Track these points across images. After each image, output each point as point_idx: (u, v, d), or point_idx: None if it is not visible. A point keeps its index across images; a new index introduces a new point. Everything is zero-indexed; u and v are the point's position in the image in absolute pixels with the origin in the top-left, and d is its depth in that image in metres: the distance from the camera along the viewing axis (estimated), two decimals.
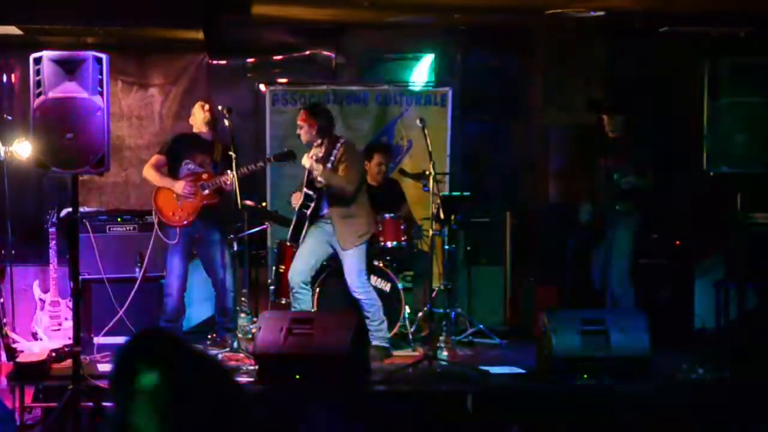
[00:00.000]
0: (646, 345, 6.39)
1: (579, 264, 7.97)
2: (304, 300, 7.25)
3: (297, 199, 7.37)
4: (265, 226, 8.41)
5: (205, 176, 7.45)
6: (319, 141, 7.22)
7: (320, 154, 7.15)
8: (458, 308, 8.12)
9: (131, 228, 7.82)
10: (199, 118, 7.55)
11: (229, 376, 2.66)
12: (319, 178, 7.11)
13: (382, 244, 7.87)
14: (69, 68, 5.67)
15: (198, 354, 2.68)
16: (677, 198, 9.08)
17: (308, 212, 7.27)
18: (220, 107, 7.53)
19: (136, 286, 7.43)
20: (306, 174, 7.27)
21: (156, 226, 7.44)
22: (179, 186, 7.40)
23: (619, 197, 7.38)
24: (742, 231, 6.75)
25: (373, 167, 8.10)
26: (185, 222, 7.41)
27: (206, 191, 7.42)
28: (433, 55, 9.65)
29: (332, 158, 7.17)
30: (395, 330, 7.66)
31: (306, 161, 7.14)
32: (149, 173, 7.54)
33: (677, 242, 8.56)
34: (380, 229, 7.83)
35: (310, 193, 7.25)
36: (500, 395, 6.30)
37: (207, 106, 7.58)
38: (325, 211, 7.24)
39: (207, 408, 2.51)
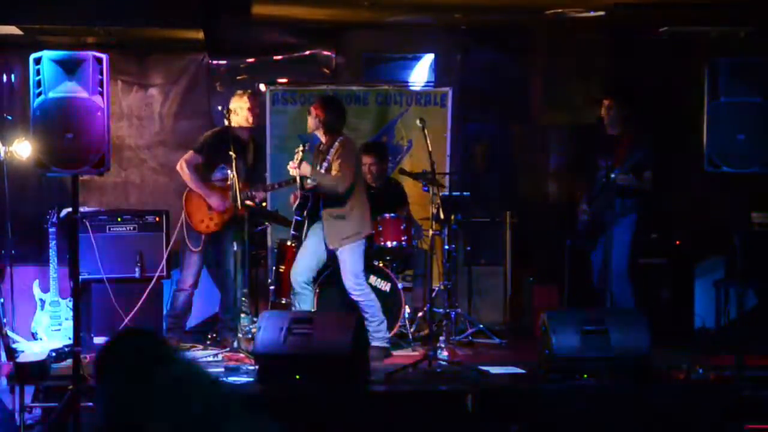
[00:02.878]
0: (646, 345, 6.39)
1: (578, 264, 7.97)
2: (306, 300, 7.25)
3: (295, 200, 7.38)
4: (265, 226, 8.41)
5: (239, 185, 7.42)
6: (321, 137, 7.22)
7: (300, 159, 7.09)
8: (458, 308, 8.12)
9: (131, 228, 7.81)
10: (244, 112, 7.46)
11: (208, 375, 2.67)
12: (308, 181, 7.11)
13: (382, 244, 7.86)
14: (69, 68, 5.67)
15: (179, 355, 2.69)
16: (677, 198, 9.08)
17: (305, 212, 7.27)
18: (219, 107, 7.53)
19: (149, 287, 7.45)
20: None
21: (184, 226, 7.44)
22: (215, 201, 7.40)
23: (617, 197, 7.38)
24: (742, 231, 6.74)
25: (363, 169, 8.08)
26: (212, 230, 7.43)
27: (237, 202, 7.41)
28: (433, 55, 9.64)
29: (329, 156, 7.17)
30: (395, 330, 7.66)
31: (292, 171, 7.11)
32: (185, 173, 7.46)
33: (677, 242, 8.57)
34: (380, 229, 7.83)
35: (305, 193, 7.27)
36: (500, 395, 6.29)
37: (253, 98, 7.52)
38: (323, 210, 7.25)
39: (185, 410, 2.51)
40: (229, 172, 7.25)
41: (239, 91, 7.72)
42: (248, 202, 7.54)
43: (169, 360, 2.60)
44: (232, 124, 7.46)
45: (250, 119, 7.50)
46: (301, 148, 7.15)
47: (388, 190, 8.25)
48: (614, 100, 7.53)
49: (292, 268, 7.36)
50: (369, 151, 8.17)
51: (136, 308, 7.36)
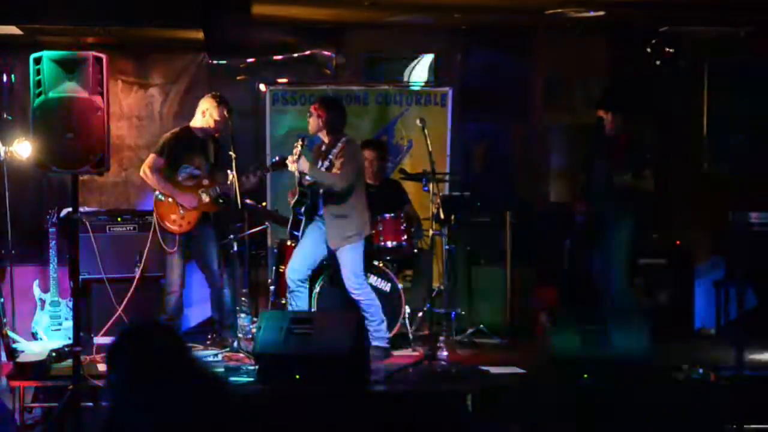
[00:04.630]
0: (646, 345, 6.39)
1: (578, 264, 7.97)
2: (301, 298, 7.24)
3: (292, 197, 7.38)
4: (265, 226, 8.41)
5: (205, 182, 7.43)
6: (324, 137, 7.22)
7: (299, 154, 7.07)
8: (458, 308, 8.11)
9: (131, 228, 7.82)
10: (211, 119, 7.41)
11: (211, 371, 2.68)
12: (306, 177, 7.11)
13: (382, 244, 7.86)
14: (69, 68, 5.67)
15: (186, 349, 2.70)
16: (677, 198, 9.09)
17: (302, 209, 7.27)
18: (199, 106, 7.53)
19: (134, 285, 7.43)
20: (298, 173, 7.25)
21: (157, 229, 7.42)
22: (186, 200, 7.37)
23: (616, 197, 7.38)
24: (742, 231, 6.75)
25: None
26: (185, 230, 7.41)
27: (207, 199, 7.40)
28: (433, 55, 9.65)
29: (331, 156, 7.17)
30: (395, 330, 7.66)
31: (291, 166, 7.10)
32: (150, 178, 7.40)
33: (677, 242, 8.57)
34: (380, 229, 7.82)
35: (304, 190, 7.26)
36: (500, 395, 6.29)
37: (225, 110, 7.46)
38: (322, 209, 7.25)
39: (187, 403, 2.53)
40: (229, 172, 7.25)
41: (214, 93, 7.63)
42: (248, 202, 7.54)
43: (181, 351, 2.62)
44: (197, 125, 7.46)
45: (211, 124, 7.44)
46: (299, 143, 7.13)
47: (387, 190, 8.25)
48: (607, 112, 7.52)
49: (288, 265, 7.35)
50: (371, 146, 8.18)
51: (133, 307, 7.37)
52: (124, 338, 2.67)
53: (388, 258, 7.92)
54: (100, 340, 7.34)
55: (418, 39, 9.51)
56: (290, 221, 7.46)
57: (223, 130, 7.45)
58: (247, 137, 8.96)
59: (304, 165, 7.03)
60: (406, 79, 9.65)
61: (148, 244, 7.47)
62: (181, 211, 7.41)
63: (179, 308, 7.54)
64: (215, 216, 7.56)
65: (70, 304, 6.76)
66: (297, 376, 6.19)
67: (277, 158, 7.74)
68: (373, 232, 7.63)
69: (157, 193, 7.46)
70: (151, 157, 7.51)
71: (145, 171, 7.47)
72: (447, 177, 8.81)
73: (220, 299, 7.56)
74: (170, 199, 7.41)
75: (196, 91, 8.91)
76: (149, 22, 8.10)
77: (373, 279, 7.68)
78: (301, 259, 7.29)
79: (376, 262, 7.76)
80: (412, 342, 7.78)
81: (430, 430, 6.08)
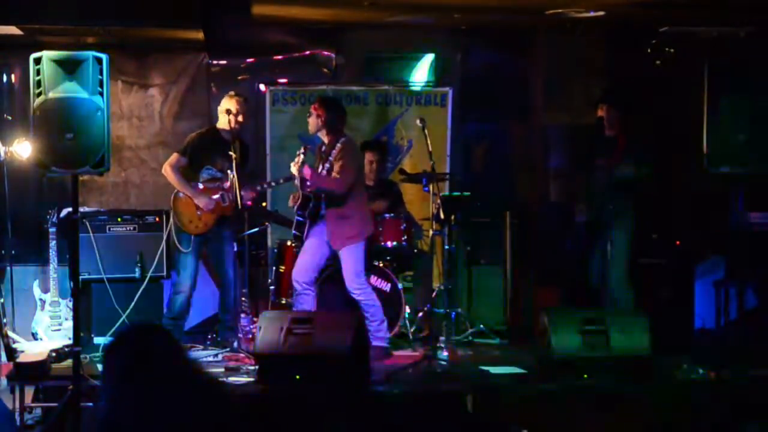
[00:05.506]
0: (646, 345, 6.39)
1: (578, 263, 7.97)
2: (307, 301, 7.24)
3: (294, 200, 7.38)
4: (265, 226, 8.41)
5: (226, 185, 7.42)
6: (324, 137, 7.22)
7: (302, 161, 7.07)
8: (458, 308, 8.12)
9: (131, 228, 7.82)
10: (230, 117, 7.38)
11: (211, 378, 2.68)
12: (308, 183, 7.11)
13: (382, 244, 7.86)
14: (69, 68, 5.66)
15: (183, 353, 2.70)
16: (677, 198, 9.08)
17: (306, 212, 7.28)
18: (219, 107, 7.53)
19: (143, 287, 7.44)
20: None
21: (173, 228, 7.42)
22: (202, 201, 7.37)
23: (616, 197, 7.38)
24: (742, 231, 6.75)
25: (365, 165, 8.08)
26: (201, 231, 7.41)
27: (226, 203, 7.40)
28: (433, 55, 9.64)
29: (331, 158, 7.18)
30: (395, 330, 7.66)
31: (293, 168, 7.11)
32: (171, 176, 7.43)
33: (677, 242, 8.56)
34: (380, 229, 7.83)
35: (306, 194, 7.27)
36: (500, 395, 6.29)
37: (243, 107, 7.46)
38: (324, 210, 7.25)
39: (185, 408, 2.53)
40: (229, 172, 7.25)
41: (231, 92, 7.65)
42: (248, 202, 7.54)
43: (177, 354, 2.62)
44: (221, 125, 7.47)
45: (232, 123, 7.42)
46: (302, 150, 7.14)
47: (385, 190, 8.25)
48: (609, 105, 7.53)
49: (293, 268, 7.35)
50: (372, 148, 8.19)
51: (133, 307, 7.38)
52: (121, 339, 2.67)
53: (388, 258, 7.92)
54: (100, 340, 7.35)
55: (418, 39, 9.50)
56: (294, 224, 7.47)
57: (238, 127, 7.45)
58: (247, 137, 8.94)
59: (307, 172, 7.04)
60: (406, 79, 9.65)
61: (163, 243, 7.50)
62: (199, 213, 7.42)
63: (186, 309, 7.53)
64: (232, 216, 7.55)
65: (70, 304, 6.75)
66: (297, 376, 6.19)
67: (272, 181, 7.80)
68: (374, 232, 7.62)
69: (177, 191, 7.47)
70: (174, 155, 7.52)
71: (166, 169, 7.48)
72: (447, 177, 8.81)
73: (227, 301, 7.56)
74: (189, 199, 7.42)
75: (196, 91, 8.92)
76: (149, 22, 8.10)
77: (374, 279, 7.68)
78: (306, 261, 7.29)
79: (376, 262, 7.76)
80: (412, 342, 7.78)
81: (430, 430, 6.08)
